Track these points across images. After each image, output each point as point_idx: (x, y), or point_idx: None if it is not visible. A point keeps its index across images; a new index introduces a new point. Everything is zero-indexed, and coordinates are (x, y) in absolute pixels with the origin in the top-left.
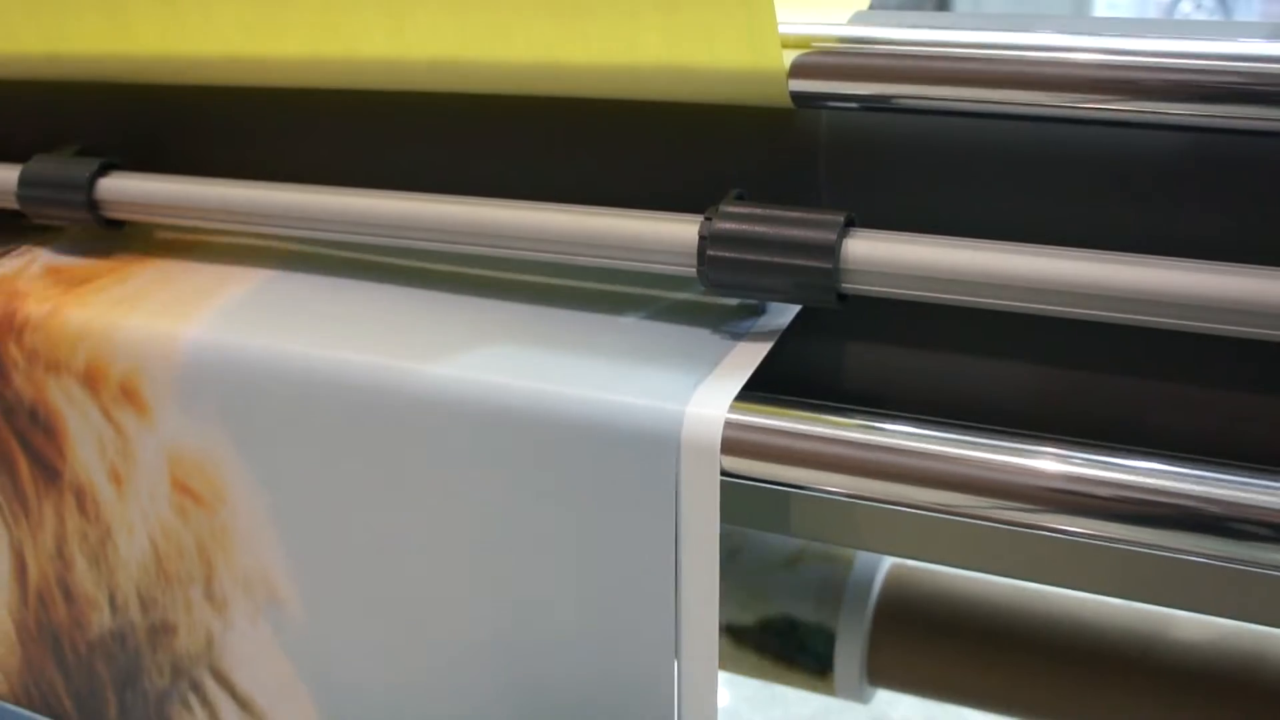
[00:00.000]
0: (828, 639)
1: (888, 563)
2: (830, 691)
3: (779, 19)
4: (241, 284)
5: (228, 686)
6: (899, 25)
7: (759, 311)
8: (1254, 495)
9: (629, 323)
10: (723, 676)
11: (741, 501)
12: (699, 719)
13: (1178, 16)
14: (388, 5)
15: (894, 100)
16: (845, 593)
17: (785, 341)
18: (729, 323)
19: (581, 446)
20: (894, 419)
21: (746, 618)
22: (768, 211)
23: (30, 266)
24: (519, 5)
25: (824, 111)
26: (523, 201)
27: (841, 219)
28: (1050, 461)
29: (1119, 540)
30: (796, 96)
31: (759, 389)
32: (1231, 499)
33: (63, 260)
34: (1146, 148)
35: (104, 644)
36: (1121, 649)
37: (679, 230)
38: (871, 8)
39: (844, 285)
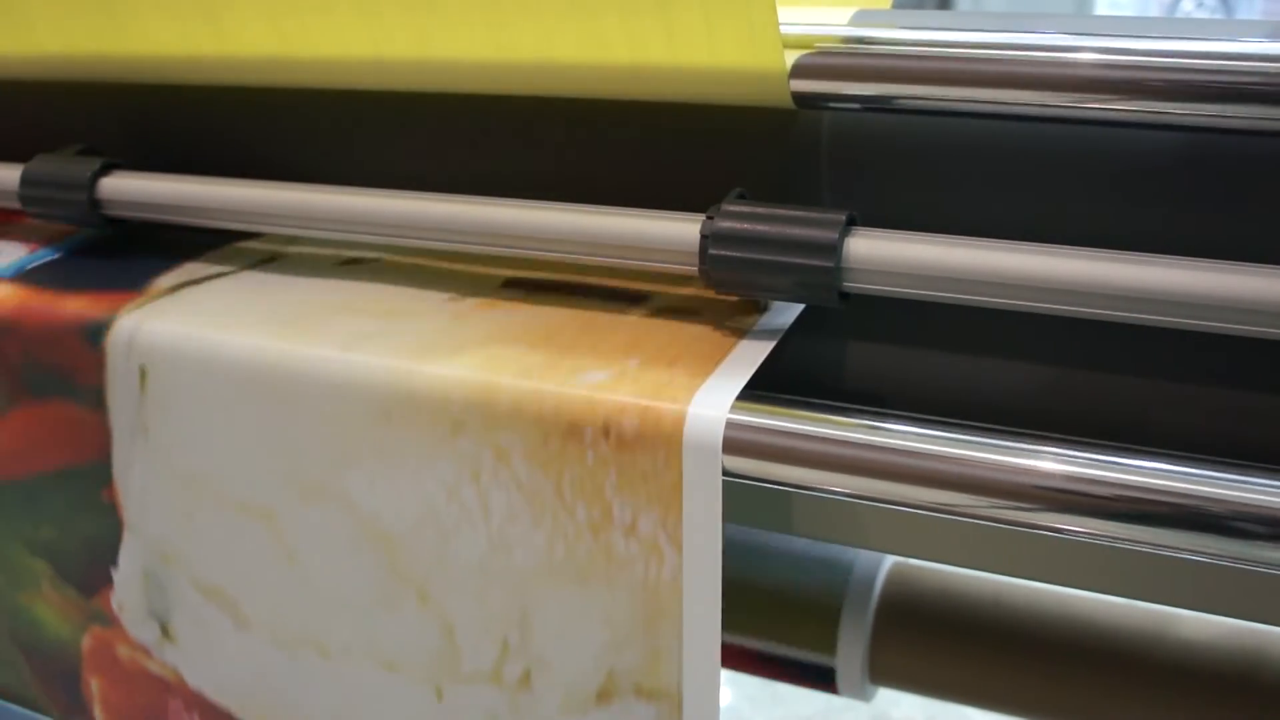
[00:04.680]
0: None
1: (889, 561)
2: (832, 690)
3: (780, 19)
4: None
5: None
6: (900, 25)
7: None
8: (1256, 494)
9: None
10: (725, 675)
11: (744, 501)
12: (702, 718)
13: (1179, 15)
14: (389, 5)
15: (895, 100)
16: (847, 592)
17: (787, 341)
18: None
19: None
20: (896, 419)
21: None
22: (770, 210)
23: None
24: (520, 5)
25: (826, 111)
26: (525, 201)
27: (843, 218)
28: (1052, 461)
29: (1121, 539)
30: (798, 97)
31: (761, 388)
32: (1233, 498)
33: None
34: (1148, 147)
35: None
36: (1123, 648)
37: (681, 229)
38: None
39: (846, 284)
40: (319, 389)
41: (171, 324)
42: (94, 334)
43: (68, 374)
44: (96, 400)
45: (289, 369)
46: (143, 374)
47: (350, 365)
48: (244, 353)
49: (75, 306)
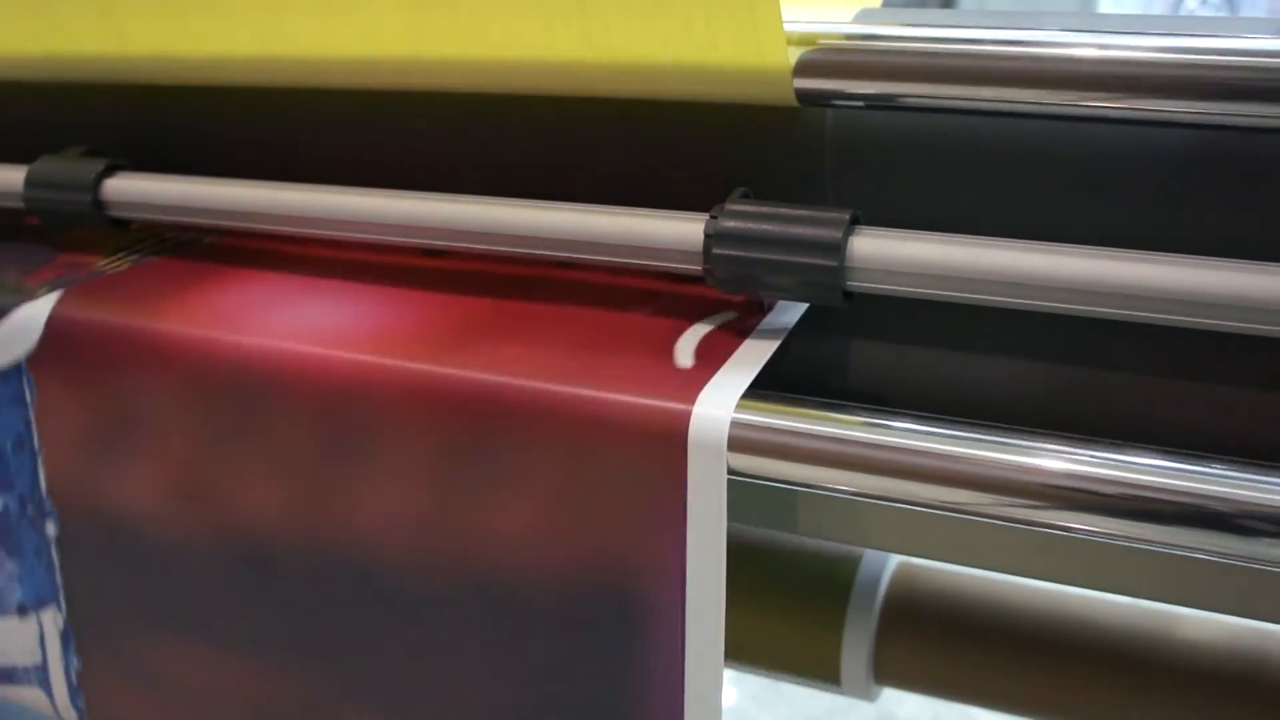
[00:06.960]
0: None
1: (894, 560)
2: (837, 689)
3: (784, 17)
4: None
5: None
6: (904, 23)
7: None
8: (1261, 492)
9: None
10: (729, 674)
11: (749, 500)
12: (705, 718)
13: (1183, 13)
14: (390, 4)
15: (899, 98)
16: (852, 591)
17: (792, 340)
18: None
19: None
20: (901, 417)
21: None
22: (773, 210)
23: None
24: (522, 4)
25: (829, 109)
26: (527, 200)
27: (847, 217)
28: (1056, 459)
29: (1125, 537)
30: (802, 95)
31: (765, 387)
32: (1238, 496)
33: None
34: (1152, 145)
35: None
36: (1128, 647)
37: (685, 229)
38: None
39: (850, 283)
40: None
41: None
42: None
43: None
44: None
45: None
46: None
47: None
48: None
49: None
